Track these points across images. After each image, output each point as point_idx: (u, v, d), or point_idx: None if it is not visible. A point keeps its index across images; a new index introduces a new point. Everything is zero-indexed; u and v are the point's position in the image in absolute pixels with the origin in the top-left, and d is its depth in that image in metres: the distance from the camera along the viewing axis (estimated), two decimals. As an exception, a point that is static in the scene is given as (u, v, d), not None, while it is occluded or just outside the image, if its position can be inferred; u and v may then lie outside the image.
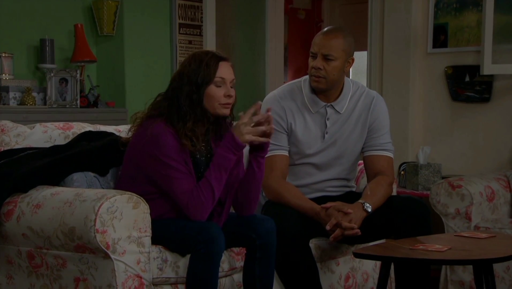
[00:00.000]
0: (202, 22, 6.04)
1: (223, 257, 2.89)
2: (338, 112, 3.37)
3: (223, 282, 2.98)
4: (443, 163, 4.84)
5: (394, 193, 3.60)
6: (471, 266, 3.55)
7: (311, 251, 3.17)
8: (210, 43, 5.97)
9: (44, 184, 2.95)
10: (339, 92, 3.38)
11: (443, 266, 3.95)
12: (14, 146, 3.15)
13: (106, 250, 2.63)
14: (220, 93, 2.87)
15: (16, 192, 2.92)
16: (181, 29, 5.98)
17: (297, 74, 8.05)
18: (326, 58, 3.24)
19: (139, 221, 2.70)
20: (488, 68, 4.62)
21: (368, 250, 2.89)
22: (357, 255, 2.86)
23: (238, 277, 3.02)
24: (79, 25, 5.51)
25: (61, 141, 3.24)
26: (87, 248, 2.68)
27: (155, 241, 2.78)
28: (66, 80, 5.28)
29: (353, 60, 3.35)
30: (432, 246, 2.77)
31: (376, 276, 3.43)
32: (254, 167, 2.94)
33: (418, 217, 3.17)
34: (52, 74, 5.24)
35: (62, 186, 3.00)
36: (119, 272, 2.65)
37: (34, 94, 5.18)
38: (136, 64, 5.76)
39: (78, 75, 5.32)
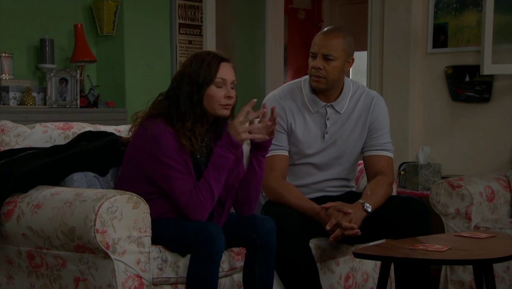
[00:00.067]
0: (202, 22, 6.04)
1: (223, 257, 2.89)
2: (338, 112, 3.37)
3: (223, 282, 2.98)
4: (443, 163, 4.84)
5: (394, 193, 3.60)
6: (471, 266, 3.55)
7: (311, 251, 3.17)
8: (210, 43, 5.97)
9: (44, 184, 2.95)
10: (339, 92, 3.38)
11: (443, 266, 3.95)
12: (14, 146, 3.15)
13: (106, 250, 2.63)
14: (220, 94, 2.87)
15: (16, 192, 2.92)
16: (181, 29, 5.98)
17: (297, 74, 8.05)
18: (326, 58, 3.24)
19: (139, 221, 2.70)
20: (488, 68, 4.62)
21: (368, 250, 2.89)
22: (357, 255, 2.86)
23: (238, 277, 3.02)
24: (79, 25, 5.51)
25: (61, 141, 3.24)
26: (87, 248, 2.68)
27: (155, 241, 2.78)
28: (66, 80, 5.28)
29: (353, 60, 3.35)
30: (432, 246, 2.77)
31: (376, 276, 3.43)
32: (255, 166, 2.94)
33: (418, 217, 3.17)
34: (52, 74, 5.24)
35: (62, 186, 3.00)
36: (119, 272, 2.65)
37: (34, 94, 5.18)
38: (136, 64, 5.76)
39: (78, 75, 5.32)
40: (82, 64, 5.54)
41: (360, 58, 5.31)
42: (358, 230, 3.10)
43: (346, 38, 3.27)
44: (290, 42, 8.30)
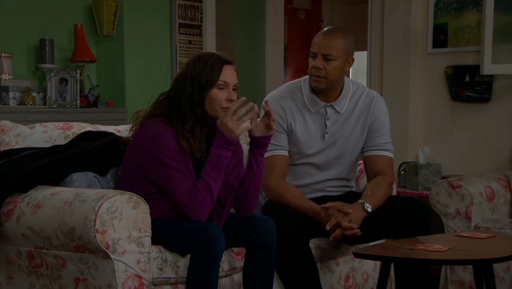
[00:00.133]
0: (202, 22, 6.04)
1: (223, 257, 2.89)
2: (338, 112, 3.37)
3: (223, 282, 2.98)
4: (443, 163, 4.84)
5: (394, 193, 3.60)
6: (471, 266, 3.55)
7: (311, 251, 3.17)
8: (210, 43, 5.97)
9: (44, 184, 2.95)
10: (339, 92, 3.38)
11: (443, 266, 3.95)
12: (14, 146, 3.15)
13: (106, 250, 2.63)
14: (222, 97, 2.87)
15: (16, 192, 2.92)
16: (181, 29, 5.98)
17: (297, 74, 8.05)
18: (326, 57, 3.24)
19: (139, 221, 2.70)
20: (488, 68, 4.62)
21: (368, 250, 2.89)
22: (357, 255, 2.86)
23: (238, 277, 3.02)
24: (79, 25, 5.51)
25: (61, 141, 3.24)
26: (87, 248, 2.68)
27: (155, 241, 2.78)
28: (66, 80, 5.28)
29: (353, 60, 3.35)
30: (432, 246, 2.77)
31: (376, 276, 3.43)
32: (253, 165, 2.94)
33: (418, 217, 3.17)
34: (52, 74, 5.24)
35: (62, 186, 3.00)
36: (119, 272, 2.65)
37: (34, 94, 5.18)
38: (136, 64, 5.76)
39: (78, 75, 5.32)
40: (82, 64, 5.54)
41: (360, 58, 5.30)
42: (358, 230, 3.10)
43: (346, 38, 3.28)
44: (290, 42, 8.30)
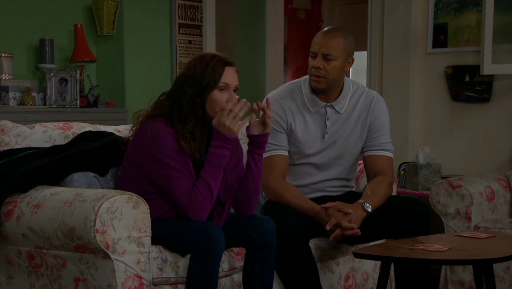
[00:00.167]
0: (202, 22, 6.04)
1: (223, 257, 2.89)
2: (338, 112, 3.37)
3: (223, 282, 2.98)
4: (443, 163, 4.84)
5: (394, 193, 3.59)
6: (471, 266, 3.55)
7: (311, 251, 3.17)
8: (210, 43, 5.97)
9: (44, 184, 2.95)
10: (339, 92, 3.38)
11: (443, 266, 3.95)
12: (14, 146, 3.15)
13: (106, 250, 2.63)
14: (223, 99, 2.87)
15: (16, 192, 2.92)
16: (181, 29, 5.98)
17: (297, 74, 8.05)
18: (326, 57, 3.24)
19: (139, 221, 2.70)
20: (488, 68, 4.62)
21: (368, 250, 2.89)
22: (357, 255, 2.86)
23: (238, 277, 3.02)
24: (79, 25, 5.51)
25: (61, 141, 3.24)
26: (87, 248, 2.68)
27: (155, 241, 2.78)
28: (66, 80, 5.28)
29: (353, 60, 3.35)
30: (432, 246, 2.77)
31: (376, 276, 3.43)
32: (251, 165, 2.94)
33: (418, 217, 3.17)
34: (52, 74, 5.24)
35: (62, 186, 3.00)
36: (119, 272, 2.65)
37: (34, 94, 5.18)
38: (136, 64, 5.76)
39: (78, 75, 5.32)
40: (82, 64, 5.54)
41: (360, 58, 5.31)
42: (358, 230, 3.10)
43: (346, 38, 3.27)
44: (290, 42, 8.30)
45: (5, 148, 3.12)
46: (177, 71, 5.88)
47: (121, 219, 2.65)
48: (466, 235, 3.06)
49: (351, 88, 3.41)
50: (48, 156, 3.04)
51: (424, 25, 5.00)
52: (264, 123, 2.92)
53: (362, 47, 5.47)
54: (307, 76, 3.38)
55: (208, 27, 5.98)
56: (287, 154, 3.36)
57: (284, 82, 5.45)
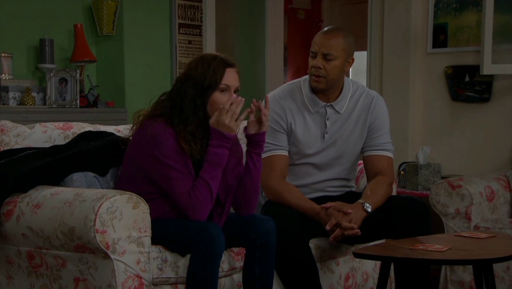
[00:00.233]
0: (202, 22, 6.04)
1: (223, 257, 2.89)
2: (338, 112, 3.37)
3: (223, 282, 2.98)
4: (443, 163, 4.84)
5: (394, 193, 3.59)
6: (471, 266, 3.55)
7: (311, 251, 3.17)
8: (210, 43, 5.97)
9: (44, 184, 2.95)
10: (339, 92, 3.38)
11: (443, 266, 3.95)
12: (13, 146, 3.15)
13: (106, 250, 2.63)
14: (223, 100, 2.86)
15: (16, 192, 2.92)
16: (181, 29, 5.98)
17: (297, 74, 8.05)
18: (326, 57, 3.24)
19: (139, 221, 2.70)
20: (488, 68, 4.62)
21: (368, 250, 2.89)
22: (357, 255, 2.86)
23: (238, 277, 3.02)
24: (78, 25, 5.51)
25: (61, 141, 3.24)
26: (87, 248, 2.68)
27: (155, 241, 2.78)
28: (65, 80, 5.27)
29: (353, 60, 3.35)
30: (432, 246, 2.77)
31: (376, 276, 3.43)
32: (250, 165, 2.94)
33: (418, 217, 3.17)
34: (51, 74, 5.24)
35: (62, 186, 3.00)
36: (119, 272, 2.65)
37: (34, 94, 5.17)
38: (136, 64, 5.76)
39: (77, 75, 5.31)
40: (82, 64, 5.54)
41: (360, 58, 5.30)
42: (358, 230, 3.10)
43: (346, 38, 3.27)
44: (289, 42, 8.30)
45: (5, 148, 3.12)
46: (177, 71, 5.88)
47: (121, 219, 2.65)
48: (466, 235, 3.06)
49: (351, 88, 3.41)
50: (48, 156, 3.04)
51: (424, 25, 5.00)
52: (260, 122, 2.92)
53: (362, 47, 5.47)
54: (307, 76, 3.38)
55: (208, 27, 5.98)
56: (287, 154, 3.36)
57: (284, 82, 5.45)
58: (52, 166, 3.00)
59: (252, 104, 2.91)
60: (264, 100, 3.06)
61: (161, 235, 2.80)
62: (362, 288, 3.57)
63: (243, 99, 2.87)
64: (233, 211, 3.04)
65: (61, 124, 3.32)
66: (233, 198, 2.98)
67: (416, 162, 4.79)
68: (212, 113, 2.87)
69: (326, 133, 3.36)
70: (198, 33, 6.06)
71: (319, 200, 3.27)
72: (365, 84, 4.38)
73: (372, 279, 3.61)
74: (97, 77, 5.78)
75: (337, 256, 3.41)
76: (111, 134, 3.29)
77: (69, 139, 3.24)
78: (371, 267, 3.61)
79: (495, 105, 4.76)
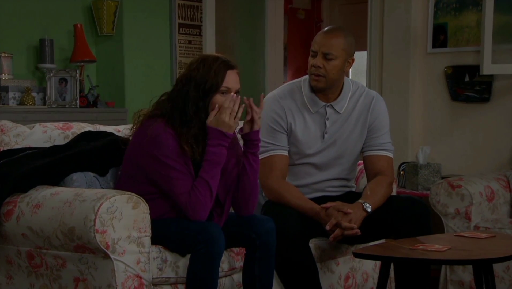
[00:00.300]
0: (201, 22, 6.04)
1: (223, 257, 2.89)
2: (338, 112, 3.37)
3: (223, 282, 2.98)
4: (443, 163, 4.84)
5: (394, 193, 3.59)
6: (471, 266, 3.55)
7: (311, 251, 3.17)
8: (209, 43, 5.97)
9: (43, 184, 2.95)
10: (339, 92, 3.38)
11: (443, 266, 3.95)
12: (13, 146, 3.15)
13: (105, 250, 2.63)
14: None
15: (15, 192, 2.92)
16: (181, 29, 5.98)
17: (297, 74, 8.04)
18: (326, 56, 3.24)
19: (138, 221, 2.70)
20: (487, 68, 4.62)
21: (368, 250, 2.89)
22: (357, 255, 2.86)
23: (238, 277, 3.02)
24: (78, 25, 5.51)
25: (61, 141, 3.24)
26: (86, 248, 2.68)
27: (155, 241, 2.78)
28: (65, 80, 5.27)
29: (353, 60, 3.35)
30: (432, 246, 2.77)
31: (376, 276, 3.43)
32: (246, 165, 2.94)
33: (418, 217, 3.17)
34: (51, 74, 5.24)
35: (62, 186, 3.00)
36: (118, 272, 2.65)
37: (34, 94, 5.17)
38: (136, 64, 5.76)
39: (77, 75, 5.31)
40: (82, 64, 5.54)
41: (360, 58, 5.30)
42: (358, 230, 3.10)
43: (346, 38, 3.27)
44: (289, 42, 8.29)
45: (5, 148, 3.12)
46: (177, 71, 5.88)
47: (121, 219, 2.65)
48: (466, 235, 3.06)
49: (351, 88, 3.41)
50: (48, 156, 3.04)
51: (424, 25, 5.00)
52: (252, 120, 2.92)
53: (362, 47, 5.47)
54: (307, 76, 3.38)
55: (208, 27, 5.98)
56: (287, 154, 3.36)
57: (284, 82, 5.45)
58: (52, 166, 3.00)
59: (244, 101, 2.91)
60: (259, 99, 3.05)
61: (161, 235, 2.80)
62: (362, 288, 3.57)
63: (239, 97, 2.88)
64: (233, 211, 3.04)
65: (61, 124, 3.32)
66: (233, 198, 2.98)
67: (416, 162, 4.79)
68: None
69: (326, 133, 3.36)
70: (198, 33, 6.06)
71: (319, 200, 3.27)
72: (365, 84, 4.38)
73: (372, 279, 3.61)
74: (97, 77, 5.78)
75: (337, 256, 3.41)
76: (111, 134, 3.29)
77: (69, 139, 3.24)
78: (371, 267, 3.61)
79: (495, 105, 4.76)
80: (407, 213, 3.18)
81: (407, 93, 5.05)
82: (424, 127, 5.07)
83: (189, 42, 6.03)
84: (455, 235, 3.18)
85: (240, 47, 6.68)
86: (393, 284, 3.33)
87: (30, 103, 5.10)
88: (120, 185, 2.94)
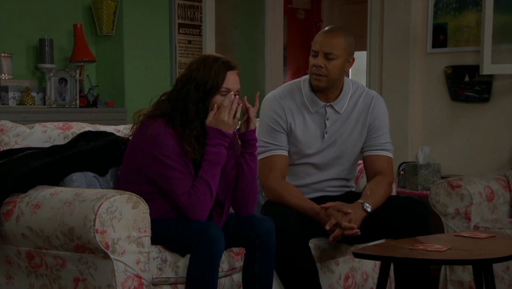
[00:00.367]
0: (201, 22, 6.04)
1: (223, 257, 2.89)
2: (338, 112, 3.37)
3: (222, 282, 2.97)
4: (442, 163, 4.84)
5: (394, 193, 3.60)
6: (470, 266, 3.55)
7: (310, 251, 3.17)
8: (209, 43, 5.97)
9: (43, 184, 2.95)
10: (339, 92, 3.38)
11: (443, 266, 3.95)
12: (13, 146, 3.15)
13: (105, 250, 2.63)
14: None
15: (15, 192, 2.92)
16: (181, 29, 5.98)
17: (297, 74, 8.04)
18: (327, 56, 3.24)
19: (138, 221, 2.70)
20: (487, 68, 4.62)
21: (368, 250, 2.89)
22: (357, 255, 2.86)
23: (237, 277, 3.02)
24: (78, 25, 5.51)
25: (61, 141, 3.24)
26: (86, 248, 2.68)
27: (154, 241, 2.78)
28: (65, 80, 5.27)
29: (353, 60, 3.35)
30: (432, 246, 2.77)
31: (376, 276, 3.43)
32: (243, 165, 2.94)
33: (418, 217, 3.17)
34: (51, 74, 5.24)
35: (62, 186, 2.99)
36: (118, 272, 2.65)
37: (34, 94, 5.17)
38: (136, 64, 5.76)
39: (77, 75, 5.32)
40: (82, 64, 5.54)
41: (360, 58, 5.29)
42: (358, 230, 3.10)
43: (347, 38, 3.28)
44: (289, 42, 8.29)
45: (5, 148, 3.12)
46: (177, 71, 5.88)
47: (121, 219, 2.65)
48: (466, 235, 3.06)
49: (351, 88, 3.41)
50: (47, 156, 3.04)
51: (424, 25, 5.00)
52: (248, 119, 2.92)
53: (362, 47, 5.46)
54: (306, 76, 3.38)
55: (207, 27, 5.98)
56: (287, 154, 3.36)
57: (284, 82, 5.44)
58: (51, 166, 3.00)
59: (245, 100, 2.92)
60: (255, 98, 3.05)
61: (161, 235, 2.80)
62: (362, 288, 3.57)
63: (237, 96, 2.88)
64: (233, 211, 3.04)
65: (60, 124, 3.32)
66: (232, 198, 2.98)
67: (415, 162, 4.79)
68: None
69: (326, 133, 3.36)
70: (198, 33, 6.06)
71: (319, 200, 3.27)
72: (365, 84, 4.38)
73: (372, 279, 3.61)
74: (96, 77, 5.78)
75: (336, 256, 3.41)
76: (111, 134, 3.29)
77: (69, 139, 3.24)
78: (371, 267, 3.61)
79: (495, 105, 4.76)
80: (407, 213, 3.18)
81: (407, 93, 5.05)
82: (424, 127, 5.07)
83: (189, 42, 6.03)
84: (455, 235, 3.18)
85: (240, 47, 6.68)
86: (393, 284, 3.33)
87: (30, 103, 5.10)
88: (120, 185, 2.94)
